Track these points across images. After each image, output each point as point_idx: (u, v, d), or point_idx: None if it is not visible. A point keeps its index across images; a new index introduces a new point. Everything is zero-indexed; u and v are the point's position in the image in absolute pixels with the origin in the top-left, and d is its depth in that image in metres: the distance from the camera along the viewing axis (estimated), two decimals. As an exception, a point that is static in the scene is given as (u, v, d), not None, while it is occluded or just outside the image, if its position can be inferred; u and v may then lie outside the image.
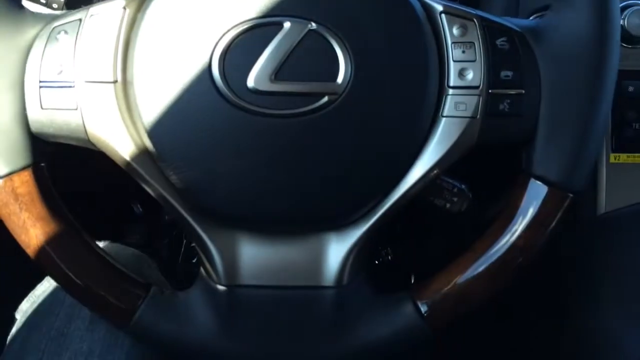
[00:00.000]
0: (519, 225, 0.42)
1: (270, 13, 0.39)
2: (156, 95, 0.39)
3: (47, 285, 0.58)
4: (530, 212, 0.41)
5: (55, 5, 0.50)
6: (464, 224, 0.75)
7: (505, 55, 0.40)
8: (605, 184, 0.58)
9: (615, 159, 0.58)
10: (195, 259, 1.07)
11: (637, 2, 0.59)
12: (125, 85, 0.40)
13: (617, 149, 0.58)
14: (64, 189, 0.45)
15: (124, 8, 0.40)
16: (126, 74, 0.40)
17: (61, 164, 0.45)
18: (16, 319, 0.58)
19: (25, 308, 0.58)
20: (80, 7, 0.50)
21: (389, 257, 1.08)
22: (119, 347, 0.52)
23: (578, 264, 0.63)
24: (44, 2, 0.50)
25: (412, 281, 1.03)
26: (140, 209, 1.07)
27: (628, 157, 0.58)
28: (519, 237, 0.42)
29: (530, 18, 0.63)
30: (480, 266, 0.42)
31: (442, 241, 0.98)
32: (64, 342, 0.52)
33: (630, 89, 0.57)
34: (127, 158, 0.41)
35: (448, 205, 0.49)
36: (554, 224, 0.41)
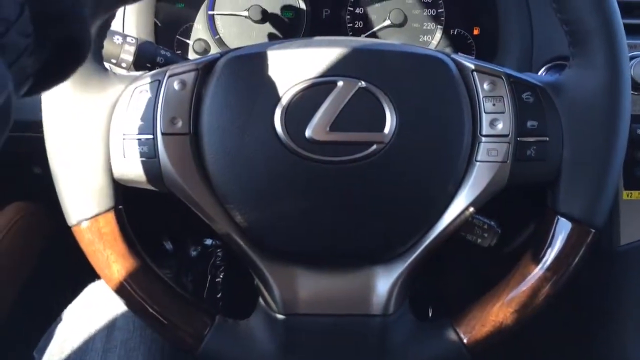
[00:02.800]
0: (547, 259, 0.46)
1: (325, 73, 0.45)
2: (224, 146, 0.45)
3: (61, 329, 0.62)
4: (557, 246, 0.46)
5: (124, 65, 0.56)
6: (485, 259, 0.79)
7: (531, 108, 0.46)
8: (621, 219, 0.62)
9: (627, 195, 0.63)
10: (220, 294, 1.11)
11: (642, 53, 0.65)
12: (197, 136, 0.46)
13: (629, 186, 0.63)
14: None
15: (197, 70, 0.46)
16: (198, 127, 0.46)
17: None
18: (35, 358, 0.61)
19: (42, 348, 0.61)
20: (145, 66, 0.57)
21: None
22: None
23: (598, 295, 0.67)
24: (114, 62, 0.56)
25: (430, 314, 1.07)
26: (171, 246, 1.12)
27: (640, 194, 0.63)
28: (548, 269, 0.46)
29: (543, 68, 0.69)
30: (513, 296, 0.47)
31: (465, 275, 1.02)
32: None
33: (639, 131, 0.63)
34: (198, 201, 0.46)
35: (479, 240, 0.54)
36: (578, 256, 0.46)
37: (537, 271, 0.46)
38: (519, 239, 0.74)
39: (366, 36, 0.74)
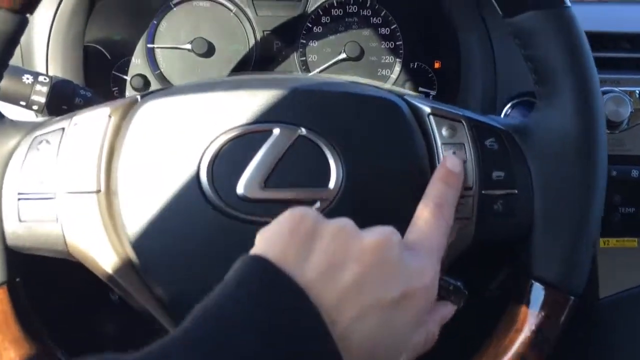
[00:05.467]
0: (521, 340, 0.40)
1: (259, 119, 0.38)
2: (141, 205, 0.38)
3: None
4: (532, 318, 0.40)
5: (35, 107, 0.49)
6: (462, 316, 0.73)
7: (496, 156, 0.40)
8: (598, 269, 0.57)
9: (604, 244, 0.57)
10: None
11: (614, 88, 0.60)
12: (108, 195, 0.39)
13: (606, 234, 0.58)
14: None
15: (109, 116, 0.39)
16: (110, 183, 0.39)
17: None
18: None
19: None
20: (61, 109, 0.50)
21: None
22: None
23: (579, 351, 0.61)
24: (24, 104, 0.49)
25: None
26: (117, 297, 1.03)
27: (617, 241, 0.58)
28: (522, 354, 0.40)
29: (508, 105, 0.64)
30: None
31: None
32: None
33: (614, 173, 0.58)
34: (109, 270, 0.39)
35: (445, 302, 0.48)
36: (558, 330, 0.40)
37: (513, 353, 0.40)
38: (494, 285, 0.68)
39: (320, 71, 0.69)
